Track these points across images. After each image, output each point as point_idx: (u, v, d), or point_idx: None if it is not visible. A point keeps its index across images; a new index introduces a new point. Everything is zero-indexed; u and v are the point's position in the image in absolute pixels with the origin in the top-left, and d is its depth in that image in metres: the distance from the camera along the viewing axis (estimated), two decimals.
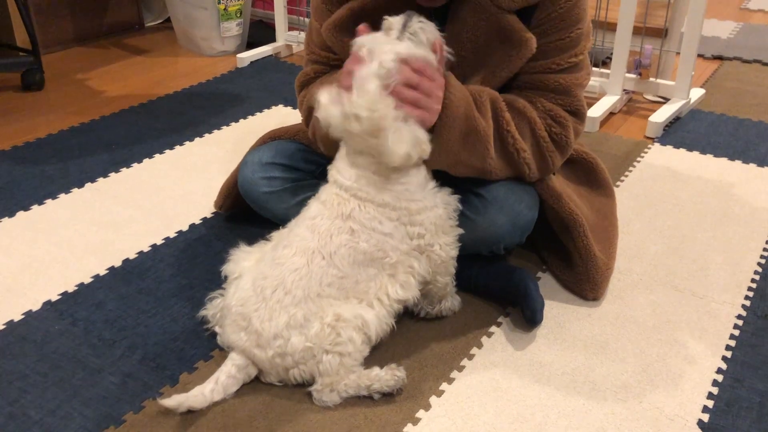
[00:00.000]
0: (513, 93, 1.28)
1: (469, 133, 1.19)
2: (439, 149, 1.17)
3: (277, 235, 1.26)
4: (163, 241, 1.60)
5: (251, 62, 2.77)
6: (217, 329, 1.25)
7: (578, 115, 1.30)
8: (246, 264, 1.25)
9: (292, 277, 1.14)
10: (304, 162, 1.44)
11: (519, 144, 1.25)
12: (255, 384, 1.19)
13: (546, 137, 1.27)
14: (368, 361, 1.21)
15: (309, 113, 1.35)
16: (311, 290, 1.13)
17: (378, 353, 1.26)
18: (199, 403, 1.11)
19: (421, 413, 1.15)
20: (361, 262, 1.16)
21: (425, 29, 1.15)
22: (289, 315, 1.12)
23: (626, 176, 1.92)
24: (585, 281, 1.40)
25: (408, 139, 1.09)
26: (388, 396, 1.16)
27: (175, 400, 1.09)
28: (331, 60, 1.37)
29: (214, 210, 1.72)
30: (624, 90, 2.36)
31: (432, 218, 1.19)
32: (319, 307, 1.13)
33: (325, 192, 1.20)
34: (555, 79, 1.26)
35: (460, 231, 1.24)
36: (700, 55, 2.84)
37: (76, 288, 1.44)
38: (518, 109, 1.25)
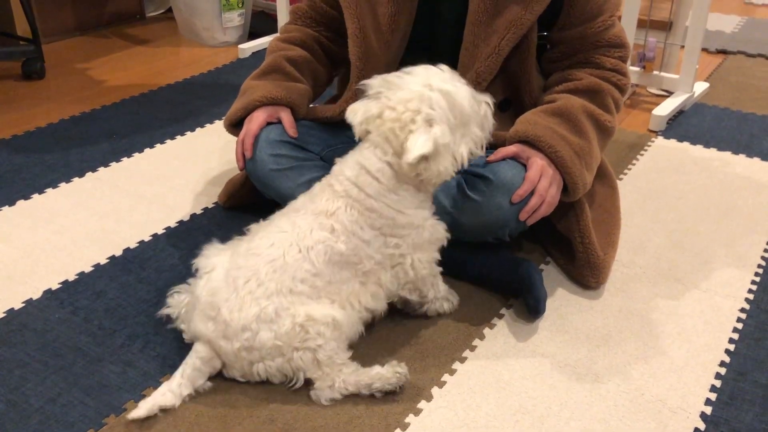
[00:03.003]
0: (581, 68, 1.40)
1: (582, 156, 1.32)
2: (579, 191, 1.32)
3: (255, 227, 1.22)
4: (164, 231, 1.60)
5: (253, 53, 2.76)
6: (182, 326, 1.21)
7: (627, 59, 1.44)
8: (218, 258, 1.20)
9: (266, 268, 1.11)
10: (312, 143, 1.45)
11: (607, 117, 1.38)
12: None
13: (617, 94, 1.40)
14: (369, 356, 1.21)
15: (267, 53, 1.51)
16: (284, 284, 1.10)
17: (379, 345, 1.25)
18: (169, 401, 1.09)
19: (422, 404, 1.14)
20: (336, 262, 1.13)
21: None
22: (260, 307, 1.09)
23: (629, 169, 1.91)
24: (586, 266, 1.39)
25: (428, 146, 1.07)
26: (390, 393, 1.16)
27: (144, 408, 1.07)
28: (316, 6, 1.50)
29: (215, 200, 1.71)
30: None
31: (414, 235, 1.17)
32: (291, 303, 1.10)
33: (319, 185, 1.20)
34: (610, 35, 1.38)
35: (437, 256, 1.23)
36: (704, 49, 2.83)
37: (77, 277, 1.44)
38: (596, 91, 1.37)
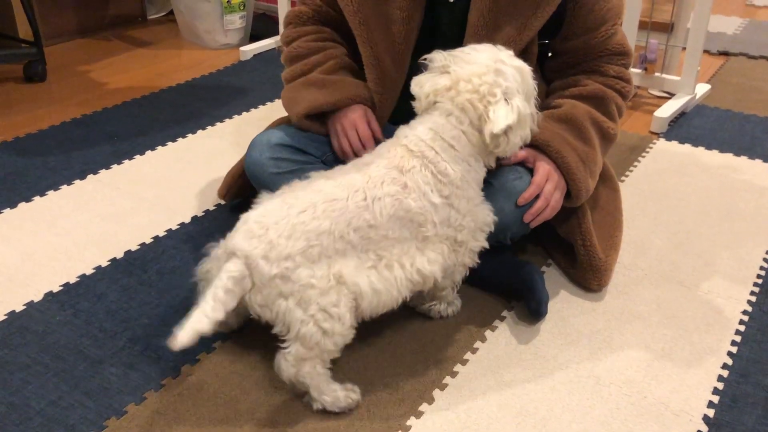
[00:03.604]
0: (586, 76, 1.40)
1: (586, 162, 1.33)
2: (582, 197, 1.34)
3: (316, 174, 1.17)
4: (166, 233, 1.60)
5: (254, 55, 2.76)
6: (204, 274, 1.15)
7: (630, 66, 1.45)
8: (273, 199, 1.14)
9: (325, 206, 1.08)
10: (313, 146, 1.44)
11: (610, 125, 1.39)
12: (257, 375, 1.19)
13: (620, 101, 1.41)
14: (370, 356, 1.20)
15: (290, 59, 1.46)
16: (338, 227, 1.07)
17: (381, 346, 1.25)
18: (205, 326, 1.01)
19: (424, 406, 1.14)
20: (400, 218, 1.12)
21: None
22: (308, 243, 1.05)
23: (631, 171, 1.91)
24: (588, 270, 1.39)
25: (513, 117, 1.11)
26: (392, 391, 1.15)
27: (184, 336, 0.99)
28: (318, 6, 1.45)
29: (217, 202, 1.71)
30: None
31: (476, 214, 1.18)
32: (334, 251, 1.07)
33: (388, 144, 1.18)
34: (613, 43, 1.38)
35: (486, 244, 1.23)
36: (705, 51, 2.83)
37: (78, 279, 1.44)
38: (600, 97, 1.38)
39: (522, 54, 1.32)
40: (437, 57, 1.17)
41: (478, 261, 1.24)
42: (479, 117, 1.13)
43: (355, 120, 1.36)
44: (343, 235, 1.07)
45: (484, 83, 1.12)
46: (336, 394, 1.11)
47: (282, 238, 1.05)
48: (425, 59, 1.18)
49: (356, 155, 1.35)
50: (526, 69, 1.17)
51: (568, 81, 1.41)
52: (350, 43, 1.44)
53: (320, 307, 1.05)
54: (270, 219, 1.08)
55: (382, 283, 1.11)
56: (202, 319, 1.02)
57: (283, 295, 1.06)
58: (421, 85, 1.17)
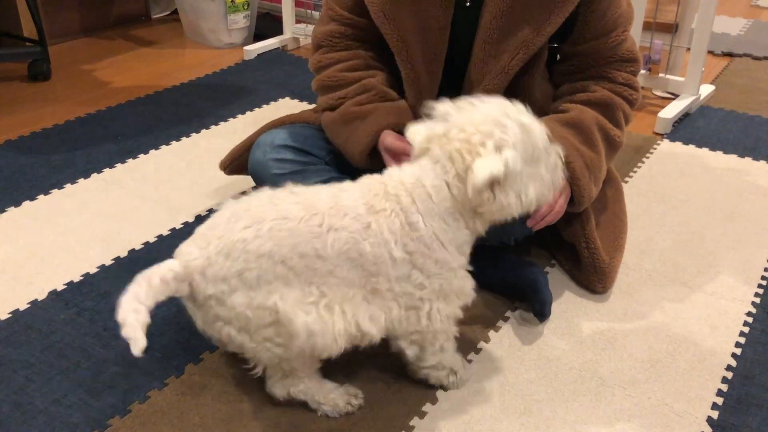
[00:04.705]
0: (594, 82, 1.38)
1: (592, 169, 1.32)
2: (584, 203, 1.34)
3: (293, 186, 1.08)
4: (169, 232, 1.60)
5: (258, 54, 2.77)
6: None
7: (638, 72, 1.44)
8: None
9: (272, 224, 0.97)
10: (317, 147, 1.43)
11: (617, 132, 1.38)
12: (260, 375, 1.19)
13: (627, 108, 1.40)
14: (372, 357, 1.20)
15: (323, 88, 1.39)
16: (281, 251, 0.97)
17: (382, 347, 1.25)
18: (143, 316, 0.95)
19: (427, 406, 1.14)
20: (351, 259, 1.00)
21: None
22: (246, 266, 0.96)
23: (635, 172, 1.91)
24: (592, 272, 1.39)
25: (498, 168, 0.96)
26: (395, 390, 1.15)
27: (136, 337, 0.92)
28: (349, 20, 1.37)
29: (220, 201, 1.71)
30: None
31: (445, 278, 1.04)
32: (274, 276, 0.97)
33: (370, 178, 1.07)
34: (623, 50, 1.37)
35: (459, 313, 1.11)
36: (710, 52, 2.82)
37: (82, 278, 1.44)
38: (608, 104, 1.36)
39: (530, 60, 1.32)
40: (441, 107, 1.06)
41: (456, 330, 1.13)
42: (466, 169, 0.98)
43: (389, 149, 1.31)
44: (285, 260, 0.97)
45: (477, 132, 0.98)
46: (335, 402, 1.10)
47: (221, 255, 0.97)
48: (429, 107, 1.08)
49: None
50: (537, 129, 1.02)
51: (577, 86, 1.40)
52: (387, 52, 1.38)
53: (263, 337, 0.99)
54: (215, 232, 1.00)
55: (318, 324, 0.99)
56: (138, 308, 0.95)
57: (222, 320, 1.00)
58: (416, 133, 1.06)
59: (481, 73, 1.33)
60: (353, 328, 1.02)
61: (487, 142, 0.97)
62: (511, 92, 1.37)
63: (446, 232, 1.02)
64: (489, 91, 1.33)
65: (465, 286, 1.08)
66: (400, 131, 1.31)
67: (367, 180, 1.06)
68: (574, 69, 1.41)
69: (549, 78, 1.45)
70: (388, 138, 1.30)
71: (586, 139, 1.33)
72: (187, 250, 1.01)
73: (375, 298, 1.03)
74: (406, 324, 1.06)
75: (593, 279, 1.39)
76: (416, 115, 1.36)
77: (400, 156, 1.28)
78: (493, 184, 0.97)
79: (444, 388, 1.17)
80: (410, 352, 1.11)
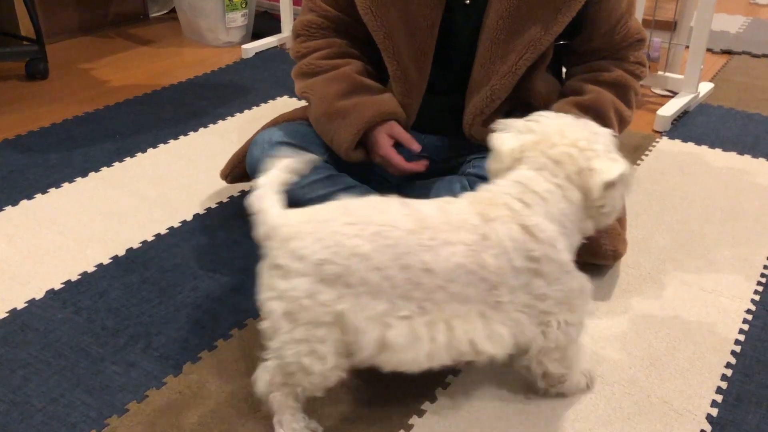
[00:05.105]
0: (608, 62, 1.40)
1: None
2: None
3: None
4: (167, 231, 1.59)
5: (256, 53, 2.76)
6: None
7: (645, 48, 1.47)
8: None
9: (378, 228, 0.91)
10: (315, 144, 1.43)
11: (629, 113, 1.41)
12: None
13: (638, 86, 1.43)
14: None
15: (299, 75, 1.43)
16: (378, 258, 0.90)
17: None
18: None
19: (426, 405, 1.13)
20: (468, 272, 0.93)
21: None
22: (331, 259, 0.90)
23: (634, 170, 1.90)
24: (602, 235, 1.38)
25: (622, 167, 0.97)
26: (394, 390, 1.15)
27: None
28: (326, 12, 1.40)
29: (219, 200, 1.71)
30: None
31: (565, 284, 0.99)
32: (360, 282, 0.90)
33: (470, 194, 1.02)
34: (633, 33, 1.39)
35: (585, 323, 1.06)
36: (708, 50, 2.82)
37: (80, 277, 1.43)
38: (622, 85, 1.38)
39: (537, 59, 1.32)
40: (516, 122, 1.06)
41: (581, 335, 1.06)
42: (578, 171, 0.97)
43: (377, 145, 1.33)
44: (383, 268, 0.91)
45: (581, 138, 0.98)
46: None
47: (312, 236, 0.92)
48: (500, 123, 1.06)
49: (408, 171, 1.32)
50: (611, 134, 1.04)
51: (592, 65, 1.41)
52: (365, 47, 1.40)
53: (305, 335, 0.93)
54: (318, 214, 0.95)
55: (407, 338, 0.93)
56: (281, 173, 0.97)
57: (276, 292, 0.93)
58: (504, 142, 1.03)
59: (487, 74, 1.33)
60: (464, 345, 0.96)
61: (595, 146, 0.98)
62: (515, 90, 1.37)
63: (563, 235, 0.99)
64: (496, 91, 1.33)
65: (584, 285, 1.03)
66: (385, 120, 1.33)
67: (469, 195, 1.02)
68: (588, 58, 1.42)
69: (554, 75, 1.46)
70: (383, 140, 1.32)
71: (604, 124, 1.32)
72: (278, 213, 0.96)
73: (497, 312, 0.97)
74: (538, 340, 1.02)
75: (604, 242, 1.38)
76: (404, 109, 1.36)
77: (396, 160, 1.31)
78: (608, 186, 0.97)
79: (579, 392, 1.15)
80: (560, 370, 1.07)
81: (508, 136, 1.04)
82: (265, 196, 0.96)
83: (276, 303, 0.93)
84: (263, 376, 1.02)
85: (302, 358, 0.94)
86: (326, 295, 0.91)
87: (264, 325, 0.97)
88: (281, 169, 1.00)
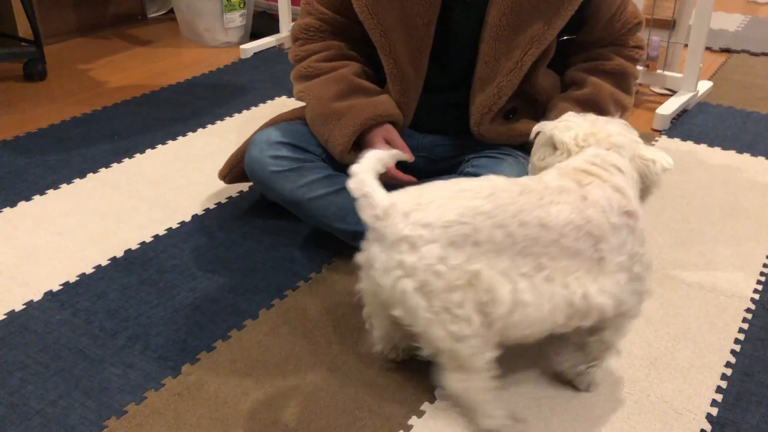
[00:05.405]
0: (608, 49, 1.42)
1: None
2: None
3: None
4: (166, 232, 1.59)
5: (255, 53, 2.76)
6: None
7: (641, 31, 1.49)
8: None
9: (493, 190, 0.95)
10: (313, 144, 1.43)
11: (628, 101, 1.44)
12: (258, 374, 1.18)
13: (637, 72, 1.46)
14: (371, 357, 1.19)
15: (298, 78, 1.43)
16: (501, 215, 0.92)
17: None
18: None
19: (425, 405, 1.13)
20: (576, 227, 0.97)
21: None
22: (459, 220, 0.91)
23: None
24: None
25: (671, 160, 1.10)
26: (394, 390, 1.15)
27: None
28: (324, 15, 1.41)
29: (218, 200, 1.71)
30: None
31: (647, 251, 1.05)
32: (487, 239, 0.91)
33: (557, 166, 1.07)
34: (630, 19, 1.41)
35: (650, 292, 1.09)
36: (707, 48, 2.81)
37: (78, 278, 1.43)
38: (621, 73, 1.41)
39: (540, 54, 1.32)
40: (553, 122, 1.13)
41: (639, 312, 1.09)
42: (633, 157, 1.07)
43: (372, 146, 1.33)
44: (505, 225, 0.92)
45: (621, 134, 1.08)
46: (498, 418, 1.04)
47: (432, 204, 0.93)
48: (543, 125, 1.12)
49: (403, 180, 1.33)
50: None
51: (591, 54, 1.42)
52: (363, 47, 1.41)
53: (444, 305, 0.91)
54: (427, 189, 0.97)
55: (531, 294, 0.94)
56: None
57: (404, 270, 0.91)
58: (564, 129, 1.09)
59: (492, 71, 1.33)
60: (579, 300, 0.98)
61: (636, 137, 1.10)
62: (520, 86, 1.37)
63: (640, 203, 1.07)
64: (502, 89, 1.32)
65: (651, 261, 1.08)
66: (380, 122, 1.33)
67: (553, 169, 1.06)
68: (589, 47, 1.43)
69: (555, 70, 1.46)
70: (379, 143, 1.32)
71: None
72: (383, 193, 0.95)
73: (602, 270, 1.00)
74: (631, 301, 1.04)
75: None
76: (401, 108, 1.36)
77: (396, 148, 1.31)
78: (665, 171, 1.09)
79: (589, 387, 1.16)
80: (611, 338, 1.09)
81: (568, 126, 1.10)
82: (369, 180, 0.96)
83: (407, 281, 0.92)
84: (444, 375, 0.99)
85: (449, 326, 0.92)
86: (457, 259, 0.91)
87: (396, 314, 0.95)
88: (375, 159, 1.00)
